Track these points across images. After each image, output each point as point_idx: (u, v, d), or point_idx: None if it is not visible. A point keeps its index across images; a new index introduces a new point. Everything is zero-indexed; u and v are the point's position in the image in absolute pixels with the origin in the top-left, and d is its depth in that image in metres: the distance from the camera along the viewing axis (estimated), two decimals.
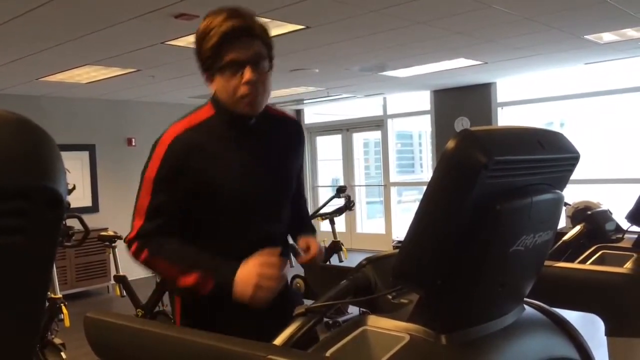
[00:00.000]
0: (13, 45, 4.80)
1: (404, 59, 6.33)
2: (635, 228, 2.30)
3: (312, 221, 2.19)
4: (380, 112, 10.15)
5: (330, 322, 4.60)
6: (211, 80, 1.67)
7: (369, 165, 11.17)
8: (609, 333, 1.85)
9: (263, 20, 1.67)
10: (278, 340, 1.25)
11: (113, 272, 4.93)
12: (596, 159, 7.75)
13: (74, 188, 5.14)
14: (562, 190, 1.20)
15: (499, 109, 8.56)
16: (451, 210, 1.00)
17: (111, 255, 4.86)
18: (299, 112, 10.78)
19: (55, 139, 0.56)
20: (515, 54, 6.17)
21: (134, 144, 8.48)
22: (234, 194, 1.65)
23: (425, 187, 1.02)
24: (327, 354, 1.10)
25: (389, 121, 10.05)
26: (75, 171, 7.65)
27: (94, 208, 8.01)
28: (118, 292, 4.74)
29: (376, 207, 10.86)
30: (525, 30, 5.11)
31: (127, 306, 4.82)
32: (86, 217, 4.54)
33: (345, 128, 10.71)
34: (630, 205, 2.16)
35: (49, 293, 4.01)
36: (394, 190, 10.10)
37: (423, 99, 9.36)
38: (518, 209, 1.05)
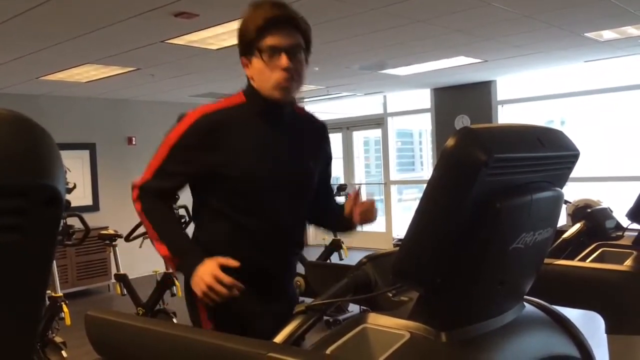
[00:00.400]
0: (13, 44, 4.79)
1: (404, 57, 6.33)
2: (635, 226, 2.30)
3: None
4: (380, 111, 10.15)
5: (331, 320, 4.60)
6: (248, 64, 1.73)
7: (369, 164, 11.17)
8: (609, 331, 1.85)
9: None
10: (278, 338, 1.26)
11: (114, 270, 4.93)
12: (597, 156, 7.75)
13: (74, 187, 5.14)
14: (562, 187, 1.20)
15: (499, 106, 8.55)
16: (451, 208, 1.00)
17: (112, 253, 4.86)
18: None
19: (55, 138, 0.56)
20: (515, 51, 6.16)
21: (134, 142, 8.47)
22: (249, 174, 1.70)
23: (425, 186, 1.02)
24: (328, 351, 1.10)
25: (389, 119, 10.04)
26: (75, 170, 7.65)
27: (94, 207, 8.01)
28: (119, 291, 4.75)
29: (376, 206, 10.84)
30: (525, 28, 5.11)
31: (127, 305, 4.83)
32: (86, 216, 4.55)
33: (346, 126, 10.70)
34: (630, 203, 2.15)
35: (49, 292, 4.03)
36: (394, 188, 10.09)
37: (423, 97, 9.35)
38: (518, 206, 1.05)
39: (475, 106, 8.58)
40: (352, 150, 10.73)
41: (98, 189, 8.13)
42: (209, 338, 1.17)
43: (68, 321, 4.04)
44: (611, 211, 2.93)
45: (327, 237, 5.82)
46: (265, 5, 1.68)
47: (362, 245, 8.98)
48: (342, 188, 6.42)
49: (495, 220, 1.02)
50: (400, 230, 9.61)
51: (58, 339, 4.03)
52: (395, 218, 9.92)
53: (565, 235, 2.68)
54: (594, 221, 2.75)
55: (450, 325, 1.08)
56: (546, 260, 1.35)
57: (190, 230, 1.87)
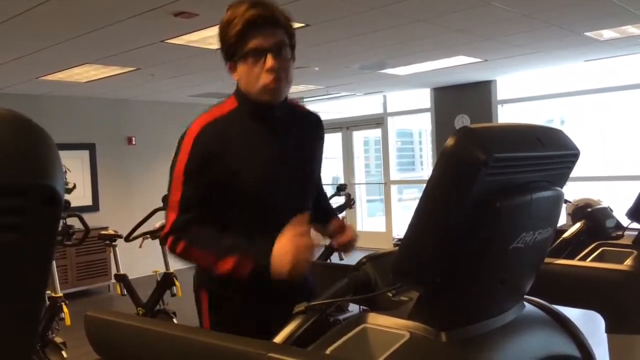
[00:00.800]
0: (13, 44, 4.79)
1: (404, 57, 6.33)
2: (635, 225, 2.30)
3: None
4: (380, 110, 10.14)
5: (331, 319, 4.59)
6: (234, 69, 1.70)
7: (369, 163, 11.16)
8: (609, 330, 1.85)
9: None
10: (278, 338, 1.25)
11: (114, 270, 4.93)
12: (597, 156, 7.75)
13: (74, 187, 5.15)
14: (562, 187, 1.20)
15: (499, 106, 8.55)
16: (451, 208, 1.00)
17: (112, 254, 4.86)
18: None
19: (55, 138, 0.56)
20: (515, 51, 6.16)
21: (134, 142, 8.47)
22: (257, 183, 1.68)
23: (425, 185, 1.02)
24: (328, 351, 1.10)
25: (389, 119, 10.04)
26: (75, 170, 7.65)
27: (94, 207, 8.01)
28: (119, 291, 4.75)
29: (376, 205, 10.86)
30: (525, 28, 5.10)
31: (127, 305, 4.83)
32: (86, 216, 4.55)
33: (346, 126, 10.70)
34: (630, 202, 2.15)
35: (49, 292, 4.03)
36: (394, 188, 10.09)
37: (423, 97, 9.35)
38: (518, 206, 1.05)
39: (475, 106, 8.58)
40: (352, 150, 10.73)
41: (98, 189, 8.13)
42: (209, 338, 1.17)
43: (68, 321, 4.04)
44: (611, 210, 2.93)
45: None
46: (241, 6, 1.62)
47: (362, 245, 8.95)
48: (341, 188, 6.41)
49: (495, 220, 1.02)
50: (400, 230, 9.60)
51: (58, 339, 4.03)
52: (395, 218, 9.92)
53: (566, 234, 2.68)
54: (594, 221, 2.74)
55: (450, 325, 1.08)
56: (546, 260, 1.35)
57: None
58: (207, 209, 1.68)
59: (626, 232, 2.63)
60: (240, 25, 1.60)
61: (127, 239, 4.72)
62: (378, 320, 1.15)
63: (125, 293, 4.70)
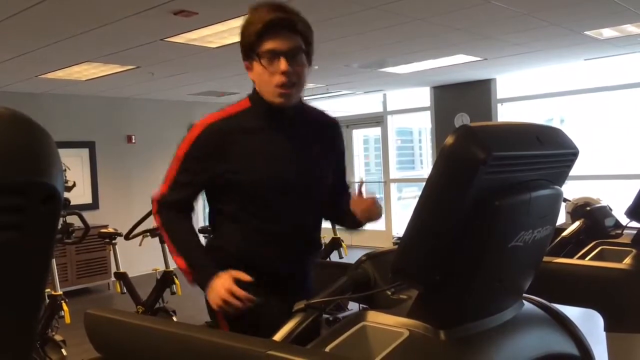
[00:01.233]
0: (12, 42, 4.79)
1: (404, 56, 6.32)
2: (634, 224, 2.30)
3: None
4: (380, 109, 10.14)
5: (330, 318, 4.60)
6: (250, 67, 1.74)
7: (369, 162, 11.16)
8: (607, 328, 1.85)
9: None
10: (277, 336, 1.26)
11: (113, 269, 4.93)
12: (596, 154, 7.75)
13: (74, 185, 5.14)
14: (561, 185, 1.20)
15: (499, 105, 8.54)
16: (450, 206, 1.00)
17: (111, 252, 4.86)
18: None
19: (54, 136, 0.56)
20: (515, 50, 6.15)
21: (133, 141, 8.47)
22: (259, 181, 1.72)
23: (424, 184, 1.02)
24: (327, 349, 1.10)
25: (389, 117, 10.03)
26: (75, 168, 7.64)
27: (94, 205, 8.01)
28: (118, 289, 4.75)
29: (378, 203, 10.84)
30: (525, 27, 5.10)
31: (127, 303, 4.83)
32: (86, 214, 4.55)
33: (345, 124, 10.69)
34: (629, 201, 2.16)
35: (49, 290, 4.03)
36: (394, 186, 10.09)
37: (423, 96, 9.34)
38: (517, 204, 1.05)
39: (475, 104, 8.58)
40: (351, 149, 10.72)
41: (98, 187, 8.13)
42: (209, 336, 1.17)
43: (68, 319, 4.04)
44: (610, 209, 2.93)
45: (326, 236, 5.82)
46: (263, 8, 1.67)
47: (362, 243, 8.98)
48: None
49: (494, 218, 1.02)
50: (399, 228, 9.60)
51: (58, 337, 4.03)
52: (395, 216, 9.92)
53: (565, 233, 2.68)
54: (593, 219, 2.75)
55: (449, 323, 1.08)
56: (545, 258, 1.35)
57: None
58: (193, 196, 1.80)
59: (625, 231, 2.64)
60: (259, 25, 1.65)
61: (127, 237, 4.72)
62: (377, 318, 1.15)
63: (125, 291, 4.70)
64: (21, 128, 0.52)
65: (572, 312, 1.47)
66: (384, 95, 9.94)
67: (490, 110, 8.50)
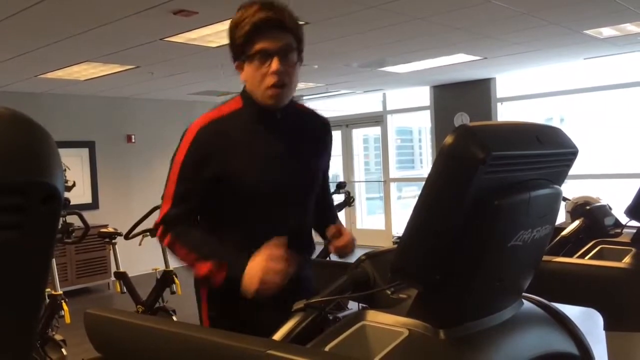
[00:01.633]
0: (12, 42, 4.79)
1: (404, 55, 6.33)
2: (634, 223, 2.30)
3: None
4: (379, 108, 10.14)
5: (330, 317, 4.59)
6: (241, 69, 1.71)
7: (369, 161, 11.16)
8: (607, 327, 1.85)
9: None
10: (277, 336, 1.26)
11: (113, 268, 4.93)
12: (596, 154, 7.75)
13: (73, 185, 5.14)
14: (560, 185, 1.20)
15: (499, 104, 8.55)
16: (449, 206, 1.00)
17: (111, 251, 4.87)
18: None
19: (54, 136, 0.56)
20: (515, 49, 6.16)
21: (133, 140, 8.47)
22: (254, 184, 1.69)
23: (424, 183, 1.02)
24: (326, 348, 1.10)
25: (389, 117, 10.04)
26: (75, 168, 7.65)
27: (94, 205, 8.01)
28: (118, 289, 4.75)
29: (376, 203, 10.86)
30: (524, 26, 5.10)
31: (127, 302, 4.83)
32: (86, 214, 4.55)
33: (345, 124, 10.70)
34: (629, 200, 2.16)
35: (49, 290, 4.03)
36: (393, 186, 10.10)
37: (422, 95, 9.35)
38: (516, 204, 1.05)
39: (474, 104, 8.58)
40: (351, 148, 10.73)
41: (97, 187, 8.13)
42: (209, 336, 1.18)
43: (68, 319, 4.04)
44: (610, 208, 2.93)
45: None
46: (252, 7, 1.64)
47: (361, 242, 8.97)
48: (341, 186, 6.41)
49: (494, 218, 1.02)
50: (399, 227, 9.61)
51: (58, 337, 4.03)
52: (395, 216, 9.93)
53: (564, 232, 2.68)
54: (592, 218, 2.75)
55: (448, 322, 1.08)
56: (545, 258, 1.35)
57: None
58: (199, 205, 1.72)
59: (625, 230, 2.64)
60: (248, 26, 1.62)
61: (127, 236, 4.72)
62: (377, 318, 1.15)
63: (125, 291, 4.70)
64: (21, 128, 0.52)
65: (571, 311, 1.47)
66: (384, 94, 9.94)
67: (489, 110, 8.50)
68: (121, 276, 4.70)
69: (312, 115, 1.91)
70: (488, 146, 0.95)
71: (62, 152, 0.56)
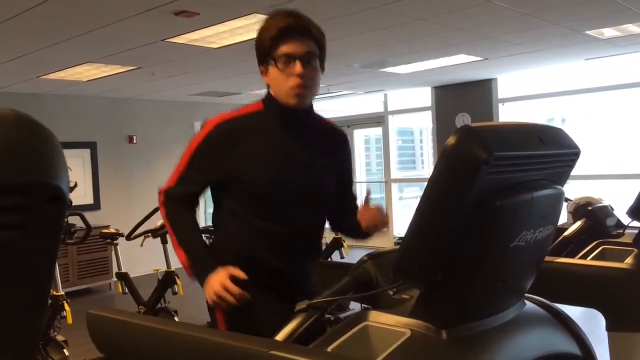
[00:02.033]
0: (13, 43, 4.79)
1: (405, 56, 6.32)
2: (636, 223, 2.30)
3: None
4: (381, 109, 10.13)
5: (332, 318, 4.58)
6: (265, 72, 1.79)
7: (370, 162, 11.16)
8: (609, 328, 1.85)
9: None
10: (280, 336, 1.26)
11: (115, 269, 4.93)
12: (598, 154, 7.74)
13: (75, 186, 5.15)
14: (562, 185, 1.20)
15: (500, 105, 8.54)
16: (451, 206, 1.00)
17: (113, 252, 4.87)
18: None
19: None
20: (516, 49, 6.15)
21: (135, 141, 8.47)
22: (266, 182, 1.75)
23: (426, 184, 1.02)
24: (329, 349, 1.10)
25: (390, 117, 10.03)
26: (76, 169, 7.65)
27: (95, 205, 8.01)
28: (120, 289, 4.75)
29: (377, 204, 10.84)
30: (526, 26, 5.10)
31: (129, 303, 4.83)
32: (88, 215, 4.55)
33: (346, 124, 10.69)
34: (631, 201, 2.16)
35: (51, 290, 4.03)
36: (395, 186, 10.09)
37: (424, 95, 9.34)
38: (518, 204, 1.05)
39: (476, 104, 8.58)
40: (353, 149, 10.69)
41: (99, 188, 8.14)
42: (211, 336, 1.18)
43: (70, 320, 4.05)
44: (612, 209, 2.93)
45: (327, 236, 5.82)
46: (279, 15, 1.74)
47: (363, 243, 8.97)
48: None
49: (496, 218, 1.02)
50: (401, 228, 9.60)
51: (60, 338, 4.04)
52: (396, 216, 9.91)
53: (566, 233, 2.68)
54: (594, 219, 2.75)
55: (451, 322, 1.08)
56: (547, 258, 1.35)
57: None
58: (200, 191, 1.84)
59: (627, 231, 2.64)
60: (274, 31, 1.71)
61: (129, 237, 4.72)
62: (379, 318, 1.15)
63: (127, 291, 4.71)
64: (26, 129, 0.52)
65: (573, 312, 1.47)
66: (385, 95, 9.93)
67: (491, 110, 8.49)
68: (123, 277, 4.70)
69: (330, 126, 1.98)
70: (490, 147, 0.95)
71: (64, 152, 0.57)
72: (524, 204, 1.05)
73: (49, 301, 3.99)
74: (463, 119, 8.69)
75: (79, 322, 1.94)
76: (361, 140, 10.96)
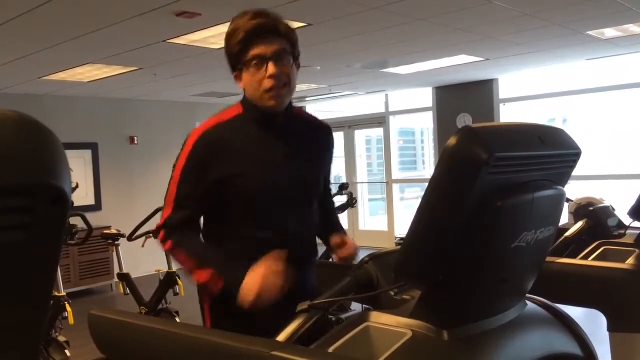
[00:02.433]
0: (15, 44, 4.80)
1: (406, 56, 6.33)
2: (637, 224, 2.30)
3: None
4: (382, 109, 10.14)
5: (333, 318, 4.58)
6: (240, 77, 1.74)
7: (372, 163, 11.16)
8: (611, 329, 1.85)
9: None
10: (281, 337, 1.26)
11: (116, 270, 4.94)
12: (599, 154, 7.74)
13: (76, 186, 5.15)
14: (563, 186, 1.20)
15: (501, 105, 8.54)
16: (453, 207, 1.00)
17: (114, 253, 4.87)
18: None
19: None
20: (517, 50, 6.15)
21: (136, 142, 8.48)
22: (255, 188, 1.71)
23: (427, 184, 1.02)
24: (331, 350, 1.11)
25: (391, 118, 10.04)
26: (78, 170, 7.66)
27: (97, 206, 8.02)
28: (121, 290, 4.76)
29: (379, 204, 10.85)
30: (527, 27, 5.10)
31: (130, 304, 4.84)
32: (89, 216, 4.56)
33: (348, 125, 10.70)
34: (632, 202, 2.16)
35: (52, 291, 4.04)
36: (396, 187, 10.09)
37: (425, 96, 9.34)
38: (520, 205, 1.05)
39: (477, 105, 8.58)
40: (354, 149, 10.72)
41: (100, 189, 8.14)
42: (213, 337, 1.18)
43: (71, 320, 4.05)
44: (613, 209, 2.93)
45: None
46: (244, 17, 1.68)
47: (365, 244, 8.98)
48: (344, 187, 6.41)
49: (497, 219, 1.02)
50: (402, 229, 9.60)
51: (62, 338, 4.04)
52: (398, 217, 9.92)
53: (568, 233, 2.68)
54: (596, 220, 2.75)
55: (452, 323, 1.08)
56: (548, 259, 1.35)
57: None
58: (200, 210, 1.74)
59: (628, 231, 2.64)
60: (242, 35, 1.65)
61: (130, 238, 4.73)
62: (380, 319, 1.15)
63: (128, 292, 4.71)
64: (29, 131, 0.52)
65: (575, 313, 1.47)
66: (386, 95, 9.94)
67: (492, 111, 8.49)
68: (124, 278, 4.71)
69: (312, 120, 1.93)
70: (491, 147, 0.96)
71: (66, 154, 0.57)
72: (525, 204, 1.06)
73: (51, 302, 4.00)
74: (464, 120, 8.69)
75: (81, 322, 1.94)
76: (362, 141, 10.96)
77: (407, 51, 6.03)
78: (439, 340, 1.07)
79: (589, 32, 5.44)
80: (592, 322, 1.97)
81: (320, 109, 10.94)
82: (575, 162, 1.21)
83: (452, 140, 0.98)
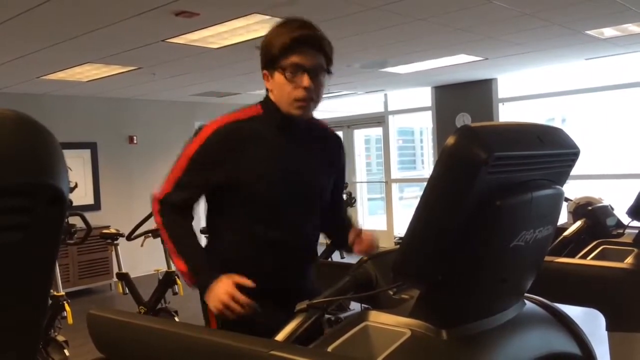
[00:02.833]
0: (14, 43, 4.80)
1: (405, 56, 6.33)
2: (636, 223, 2.31)
3: None
4: (381, 109, 10.14)
5: (332, 318, 4.58)
6: (269, 77, 1.77)
7: (370, 162, 11.16)
8: (609, 328, 1.85)
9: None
10: (280, 336, 1.26)
11: (115, 269, 4.93)
12: (598, 154, 7.74)
13: (75, 186, 5.16)
14: (562, 185, 1.20)
15: (500, 104, 8.54)
16: (451, 206, 1.00)
17: (113, 252, 4.87)
18: None
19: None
20: (516, 49, 6.15)
21: (135, 141, 8.48)
22: (263, 189, 1.74)
23: (426, 184, 1.02)
24: (329, 349, 1.11)
25: (390, 117, 10.03)
26: (76, 169, 7.66)
27: (95, 206, 8.01)
28: (120, 290, 4.75)
29: (378, 204, 10.86)
30: (526, 26, 5.10)
31: (129, 303, 4.83)
32: (88, 215, 4.55)
33: (346, 125, 10.70)
34: (631, 201, 2.16)
35: (51, 291, 4.03)
36: (395, 186, 10.09)
37: (424, 95, 9.34)
38: (518, 204, 1.05)
39: (476, 104, 8.58)
40: (353, 149, 10.72)
41: (99, 188, 8.14)
42: (212, 336, 1.18)
43: (70, 320, 4.05)
44: (612, 209, 2.93)
45: None
46: (293, 23, 1.73)
47: None
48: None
49: (496, 218, 1.02)
50: (401, 228, 9.60)
51: (60, 338, 4.04)
52: (396, 216, 9.92)
53: (566, 233, 2.68)
54: (594, 219, 2.75)
55: (451, 322, 1.08)
56: (547, 258, 1.35)
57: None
58: (196, 197, 1.80)
59: (627, 231, 2.64)
60: (287, 39, 1.69)
61: (129, 237, 4.72)
62: (379, 318, 1.15)
63: (127, 292, 4.71)
64: (27, 130, 0.52)
65: (574, 312, 1.47)
66: (385, 95, 9.94)
67: (491, 110, 8.49)
68: (123, 277, 4.71)
69: (325, 129, 1.97)
70: (490, 147, 0.96)
71: (64, 153, 0.57)
72: (523, 204, 1.06)
73: (50, 302, 3.99)
74: (463, 119, 8.70)
75: (80, 322, 1.94)
76: (361, 140, 10.96)
77: (406, 51, 6.03)
78: (437, 339, 1.07)
79: (588, 32, 5.44)
80: (590, 321, 1.97)
81: (319, 108, 10.91)
82: (574, 161, 1.21)
83: (451, 140, 0.98)
